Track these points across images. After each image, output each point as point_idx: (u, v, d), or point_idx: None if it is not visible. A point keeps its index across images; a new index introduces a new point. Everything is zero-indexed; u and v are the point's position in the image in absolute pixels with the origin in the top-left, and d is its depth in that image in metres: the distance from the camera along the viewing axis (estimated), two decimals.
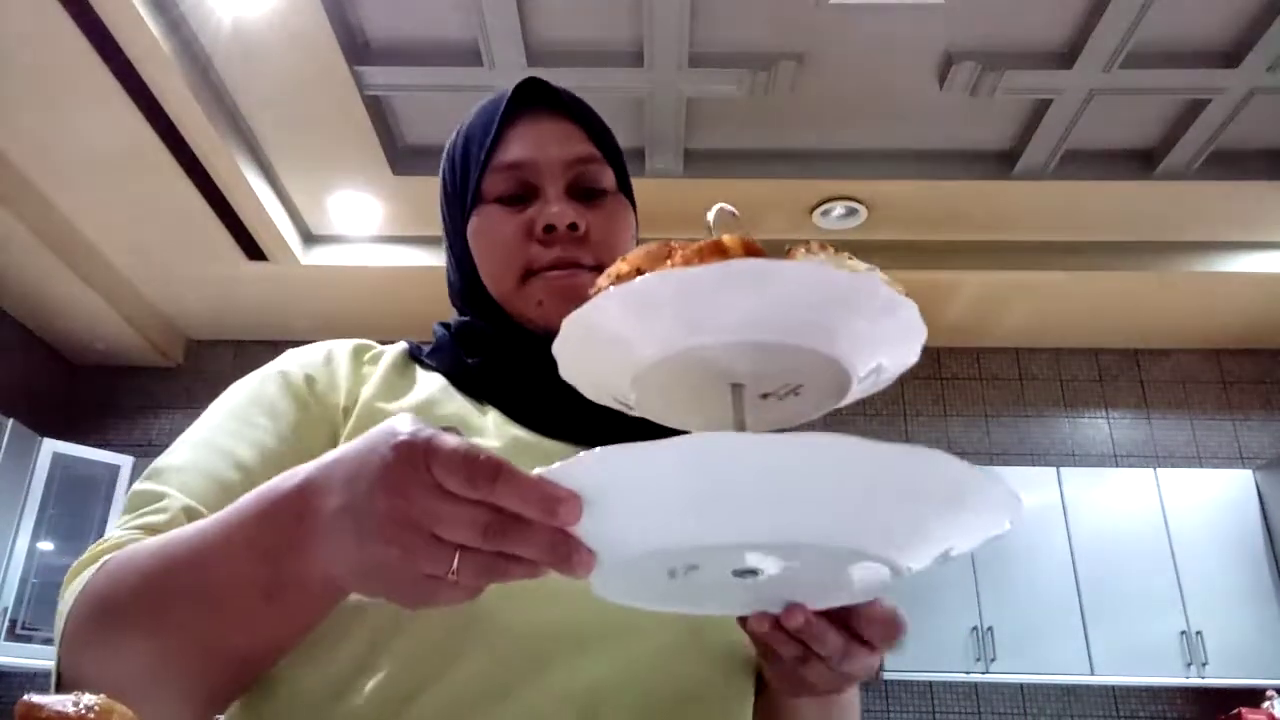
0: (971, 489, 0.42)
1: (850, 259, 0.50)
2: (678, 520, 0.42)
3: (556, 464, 0.42)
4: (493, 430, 0.75)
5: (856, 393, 0.52)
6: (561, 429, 0.75)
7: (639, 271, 0.48)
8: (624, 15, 3.03)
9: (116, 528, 0.65)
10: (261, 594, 0.52)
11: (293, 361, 0.78)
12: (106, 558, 0.60)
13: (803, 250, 0.50)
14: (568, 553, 0.43)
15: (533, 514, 0.42)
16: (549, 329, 0.74)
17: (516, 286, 0.79)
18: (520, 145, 0.80)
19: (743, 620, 0.52)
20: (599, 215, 0.80)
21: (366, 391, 0.76)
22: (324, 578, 0.49)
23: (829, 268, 0.47)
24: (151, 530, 0.63)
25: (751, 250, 0.48)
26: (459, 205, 0.83)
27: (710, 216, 0.53)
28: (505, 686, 0.63)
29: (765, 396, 0.52)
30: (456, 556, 0.43)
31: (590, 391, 0.54)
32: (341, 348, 0.81)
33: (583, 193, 0.81)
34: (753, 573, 0.45)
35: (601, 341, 0.50)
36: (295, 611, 0.54)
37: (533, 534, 0.42)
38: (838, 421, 4.84)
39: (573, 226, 0.78)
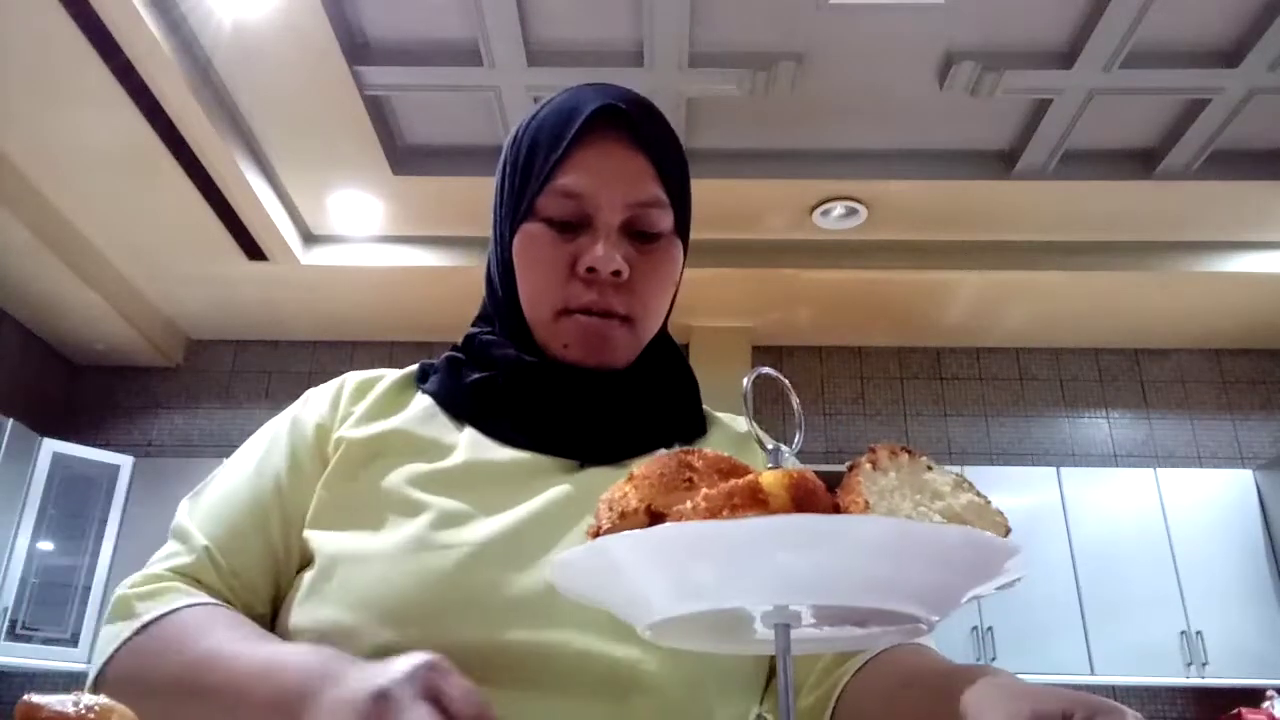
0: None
1: (931, 468, 0.43)
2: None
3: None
4: (462, 448, 0.77)
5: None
6: (548, 443, 0.77)
7: (648, 509, 0.43)
8: (624, 15, 3.03)
9: (156, 560, 0.75)
10: None
11: (308, 407, 0.83)
12: (148, 616, 0.68)
13: (868, 465, 0.42)
14: None
15: None
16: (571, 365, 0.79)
17: (550, 320, 0.79)
18: (584, 174, 0.77)
19: None
20: (647, 262, 0.79)
21: (347, 424, 0.80)
22: None
23: (905, 520, 0.40)
24: (178, 572, 0.73)
25: (799, 490, 0.40)
26: (511, 209, 0.81)
27: (746, 385, 0.46)
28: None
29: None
30: None
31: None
32: (351, 382, 0.85)
33: (637, 234, 0.79)
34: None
35: (610, 581, 0.44)
36: None
37: None
38: (836, 423, 4.84)
39: (616, 273, 0.76)
